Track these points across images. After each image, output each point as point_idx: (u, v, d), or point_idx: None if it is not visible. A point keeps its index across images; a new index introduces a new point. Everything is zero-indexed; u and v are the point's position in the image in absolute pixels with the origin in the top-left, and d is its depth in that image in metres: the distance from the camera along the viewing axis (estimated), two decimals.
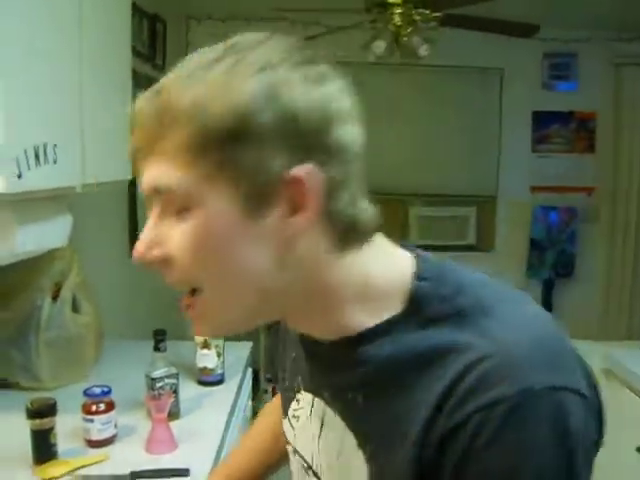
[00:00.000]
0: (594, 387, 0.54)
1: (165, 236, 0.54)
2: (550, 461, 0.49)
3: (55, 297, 1.51)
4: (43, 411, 1.11)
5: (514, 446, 0.49)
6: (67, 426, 1.24)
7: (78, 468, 1.14)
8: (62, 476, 1.11)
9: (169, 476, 1.13)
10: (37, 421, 1.10)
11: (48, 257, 1.49)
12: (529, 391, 0.49)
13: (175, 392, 1.37)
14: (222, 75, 0.51)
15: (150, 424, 1.25)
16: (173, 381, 1.37)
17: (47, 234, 1.31)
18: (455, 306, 0.55)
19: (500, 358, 0.51)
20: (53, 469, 1.12)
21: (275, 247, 0.53)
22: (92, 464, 1.16)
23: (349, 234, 0.55)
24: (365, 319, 0.57)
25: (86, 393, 1.23)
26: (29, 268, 1.46)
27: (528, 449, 0.49)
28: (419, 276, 0.57)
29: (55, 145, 1.13)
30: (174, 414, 1.34)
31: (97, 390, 1.23)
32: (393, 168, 3.47)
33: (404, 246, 0.62)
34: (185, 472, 1.14)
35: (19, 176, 0.99)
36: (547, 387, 0.49)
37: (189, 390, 1.52)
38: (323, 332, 0.60)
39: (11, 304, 1.48)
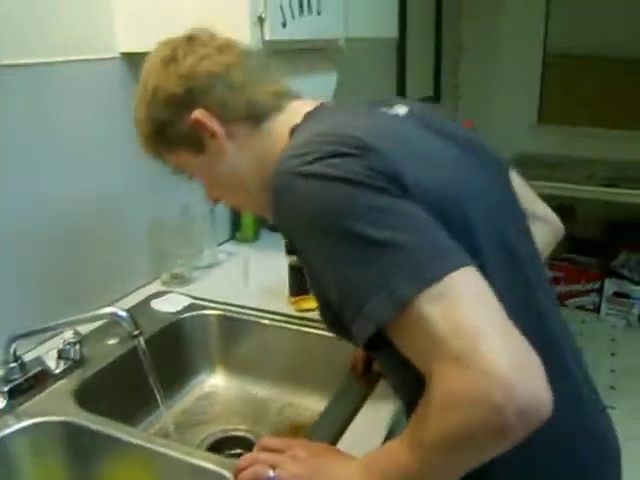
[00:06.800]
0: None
1: None
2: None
3: None
4: None
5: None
6: None
7: None
8: (313, 310, 1.23)
9: None
10: (294, 257, 1.22)
11: None
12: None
13: None
14: None
15: None
16: None
17: (315, 86, 1.36)
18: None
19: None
20: (305, 303, 1.24)
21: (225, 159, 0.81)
22: None
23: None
24: None
25: None
26: None
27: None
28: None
29: None
30: None
31: None
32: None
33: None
34: None
35: (284, 25, 1.02)
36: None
37: None
38: None
39: None
